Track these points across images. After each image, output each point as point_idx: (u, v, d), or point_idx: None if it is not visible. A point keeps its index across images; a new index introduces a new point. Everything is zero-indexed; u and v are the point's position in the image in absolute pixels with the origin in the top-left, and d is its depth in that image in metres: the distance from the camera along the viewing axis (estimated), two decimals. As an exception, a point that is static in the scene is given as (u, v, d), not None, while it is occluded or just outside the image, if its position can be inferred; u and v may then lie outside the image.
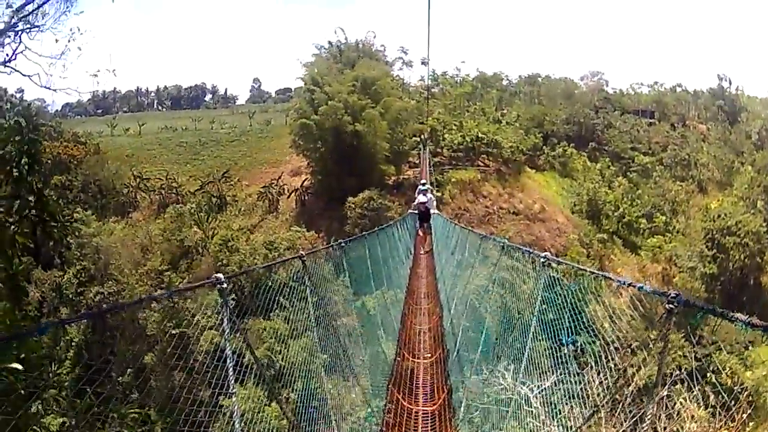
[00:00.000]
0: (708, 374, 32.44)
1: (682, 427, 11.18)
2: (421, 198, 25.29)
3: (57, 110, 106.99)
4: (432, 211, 25.51)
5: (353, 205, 45.96)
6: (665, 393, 10.26)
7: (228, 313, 5.17)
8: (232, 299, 27.24)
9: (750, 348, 39.72)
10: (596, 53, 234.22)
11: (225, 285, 5.03)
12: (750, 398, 13.50)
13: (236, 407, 5.20)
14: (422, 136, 59.41)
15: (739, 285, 48.58)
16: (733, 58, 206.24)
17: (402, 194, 50.82)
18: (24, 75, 17.42)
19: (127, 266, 41.66)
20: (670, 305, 4.19)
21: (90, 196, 53.06)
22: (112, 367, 35.09)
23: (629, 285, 5.03)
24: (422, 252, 24.88)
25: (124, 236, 46.44)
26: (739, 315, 3.57)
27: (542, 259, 7.20)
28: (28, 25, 16.72)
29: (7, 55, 16.49)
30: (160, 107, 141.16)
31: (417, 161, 57.26)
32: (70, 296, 41.32)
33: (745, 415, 9.56)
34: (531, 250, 8.30)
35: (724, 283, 48.37)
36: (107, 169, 57.00)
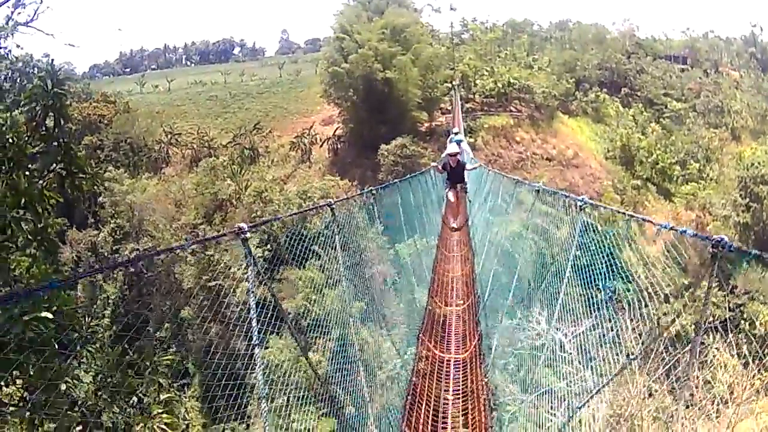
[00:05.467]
0: (741, 323, 32.24)
1: (714, 376, 11.10)
2: (451, 148, 17.81)
3: (84, 72, 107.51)
4: (468, 165, 18.57)
5: (386, 153, 45.65)
6: (699, 340, 10.13)
7: (253, 263, 5.02)
8: (268, 249, 27.55)
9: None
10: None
11: (248, 235, 4.90)
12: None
13: (259, 358, 5.15)
14: (453, 82, 58.64)
15: (772, 234, 47.61)
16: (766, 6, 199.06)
17: (435, 140, 50.60)
18: (47, 34, 17.35)
19: (162, 222, 41.83)
20: (715, 250, 4.05)
21: (122, 155, 53.22)
22: (149, 322, 35.76)
23: (671, 229, 4.88)
24: (453, 225, 19.30)
25: (158, 192, 46.60)
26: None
27: (580, 203, 7.03)
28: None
29: (29, 15, 16.42)
30: (188, 63, 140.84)
31: (449, 107, 56.70)
32: (106, 254, 41.83)
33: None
34: (568, 194, 8.09)
35: (757, 232, 47.51)
36: (138, 127, 56.99)
